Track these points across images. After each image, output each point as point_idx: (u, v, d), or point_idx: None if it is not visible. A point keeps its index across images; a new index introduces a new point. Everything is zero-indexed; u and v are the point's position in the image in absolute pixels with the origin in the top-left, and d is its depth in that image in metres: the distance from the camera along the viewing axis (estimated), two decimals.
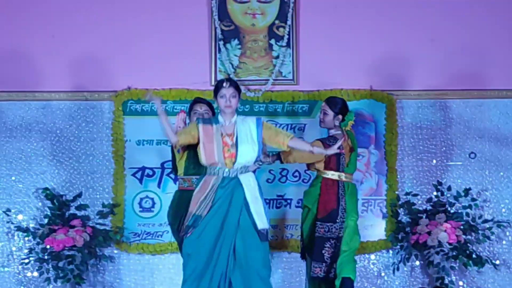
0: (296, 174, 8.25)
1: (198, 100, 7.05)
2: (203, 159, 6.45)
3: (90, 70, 8.21)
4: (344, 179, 7.21)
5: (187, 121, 7.09)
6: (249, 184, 6.46)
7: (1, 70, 8.23)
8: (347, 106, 7.34)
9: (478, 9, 8.45)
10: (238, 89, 6.54)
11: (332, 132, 7.28)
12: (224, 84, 6.46)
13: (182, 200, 6.91)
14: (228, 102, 6.43)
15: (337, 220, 7.12)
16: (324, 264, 7.06)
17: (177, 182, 7.18)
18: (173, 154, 7.16)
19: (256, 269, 6.35)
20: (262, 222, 6.38)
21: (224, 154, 6.41)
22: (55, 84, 8.23)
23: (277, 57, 8.38)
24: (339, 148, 6.62)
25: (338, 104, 7.31)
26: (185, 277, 6.43)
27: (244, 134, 6.52)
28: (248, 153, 6.47)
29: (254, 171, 7.73)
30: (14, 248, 8.13)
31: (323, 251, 7.08)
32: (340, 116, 7.26)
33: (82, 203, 8.05)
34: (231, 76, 8.20)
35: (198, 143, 6.54)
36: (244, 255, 6.38)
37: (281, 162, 7.16)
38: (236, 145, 6.46)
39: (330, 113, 7.24)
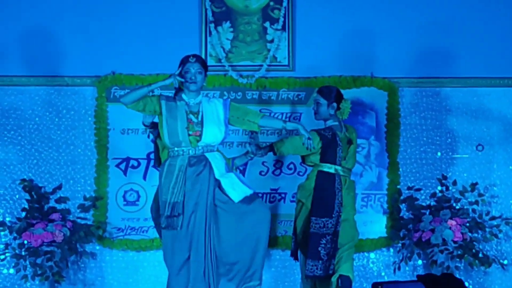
0: (291, 166, 8.20)
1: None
2: (166, 137, 6.47)
3: (71, 54, 8.15)
4: (341, 173, 7.12)
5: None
6: (218, 162, 6.52)
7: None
8: (341, 93, 7.30)
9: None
10: (204, 66, 6.58)
11: (329, 123, 7.22)
12: (190, 59, 6.50)
13: None
14: (193, 78, 6.47)
15: (333, 215, 7.02)
16: (320, 261, 6.96)
17: None
18: (155, 145, 7.15)
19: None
20: (237, 194, 6.44)
21: (188, 132, 6.45)
22: (33, 69, 8.24)
23: (272, 41, 8.33)
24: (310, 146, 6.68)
25: (331, 92, 7.25)
26: (173, 271, 6.45)
27: (210, 113, 6.57)
28: (214, 133, 6.51)
29: (245, 164, 7.72)
30: None
31: (319, 248, 6.99)
32: (334, 105, 7.18)
33: (62, 195, 7.97)
34: (222, 61, 8.20)
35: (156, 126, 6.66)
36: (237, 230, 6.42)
37: (274, 154, 7.13)
38: (201, 123, 6.49)
39: (324, 102, 7.19)
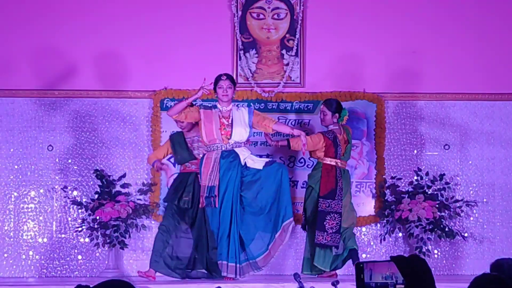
0: (302, 160, 8.57)
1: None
2: (204, 137, 6.99)
3: (134, 73, 8.61)
4: (340, 165, 7.65)
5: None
6: (244, 153, 7.05)
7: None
8: (341, 105, 7.75)
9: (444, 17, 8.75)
10: (233, 82, 7.08)
11: (331, 127, 7.71)
12: (222, 77, 7.03)
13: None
14: (225, 92, 7.01)
15: (336, 198, 7.57)
16: (325, 233, 7.46)
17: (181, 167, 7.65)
18: (173, 147, 7.62)
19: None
20: (260, 164, 7.03)
21: (221, 132, 6.96)
22: (104, 84, 8.62)
23: (287, 64, 8.71)
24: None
25: (333, 104, 7.68)
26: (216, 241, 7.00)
27: (238, 118, 7.04)
28: (240, 133, 7.00)
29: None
30: (69, 219, 8.53)
31: (324, 223, 7.51)
32: (337, 115, 7.66)
33: (125, 182, 8.36)
34: (249, 79, 8.62)
35: (189, 129, 7.21)
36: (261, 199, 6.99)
37: (289, 148, 7.62)
38: (231, 125, 6.99)
39: (328, 112, 7.65)
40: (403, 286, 2.74)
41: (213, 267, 7.16)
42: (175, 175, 7.79)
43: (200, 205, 7.10)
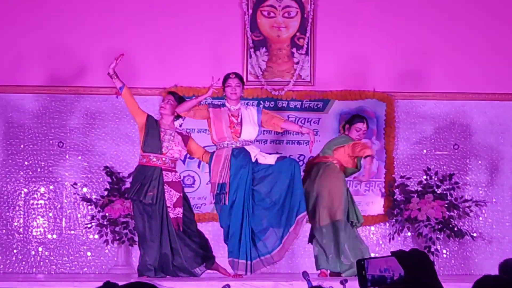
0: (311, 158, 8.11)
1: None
2: (214, 135, 7.06)
3: (144, 69, 8.72)
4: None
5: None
6: (254, 151, 7.12)
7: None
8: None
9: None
10: (242, 80, 7.16)
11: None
12: (231, 75, 7.11)
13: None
14: (234, 90, 7.08)
15: None
16: None
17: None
18: (147, 129, 7.27)
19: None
20: (271, 159, 7.09)
21: (230, 130, 7.03)
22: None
23: (298, 63, 8.80)
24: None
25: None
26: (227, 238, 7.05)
27: (247, 116, 7.12)
28: (249, 131, 7.07)
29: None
30: (79, 215, 8.62)
31: None
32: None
33: None
34: (259, 78, 8.73)
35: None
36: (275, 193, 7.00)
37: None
38: (240, 123, 7.07)
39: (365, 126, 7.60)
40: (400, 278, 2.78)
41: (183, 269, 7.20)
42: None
43: (210, 203, 7.26)
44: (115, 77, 7.05)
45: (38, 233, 8.67)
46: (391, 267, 2.79)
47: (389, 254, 2.85)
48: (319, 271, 7.37)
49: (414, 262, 2.79)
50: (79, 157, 8.76)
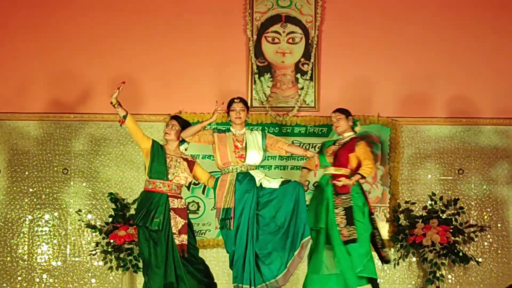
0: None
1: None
2: (219, 160, 7.04)
3: (148, 97, 8.73)
4: None
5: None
6: (259, 175, 7.09)
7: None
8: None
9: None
10: (246, 105, 7.13)
11: (347, 134, 7.40)
12: (235, 100, 7.11)
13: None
14: (238, 114, 7.08)
15: None
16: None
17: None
18: (152, 155, 7.15)
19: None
20: (276, 183, 7.04)
21: (235, 155, 7.01)
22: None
23: (302, 88, 8.80)
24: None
25: (344, 108, 7.48)
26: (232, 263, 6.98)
27: (251, 141, 7.10)
28: (254, 156, 7.05)
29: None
30: (84, 242, 8.61)
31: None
32: (351, 117, 7.44)
33: None
34: (264, 103, 8.72)
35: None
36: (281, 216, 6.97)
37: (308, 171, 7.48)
38: (245, 148, 7.05)
39: (342, 116, 7.41)
40: None
41: None
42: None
43: (215, 228, 7.08)
44: (118, 106, 6.97)
45: (43, 260, 8.66)
46: None
47: (403, 282, 2.72)
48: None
49: None
50: (84, 184, 8.76)
